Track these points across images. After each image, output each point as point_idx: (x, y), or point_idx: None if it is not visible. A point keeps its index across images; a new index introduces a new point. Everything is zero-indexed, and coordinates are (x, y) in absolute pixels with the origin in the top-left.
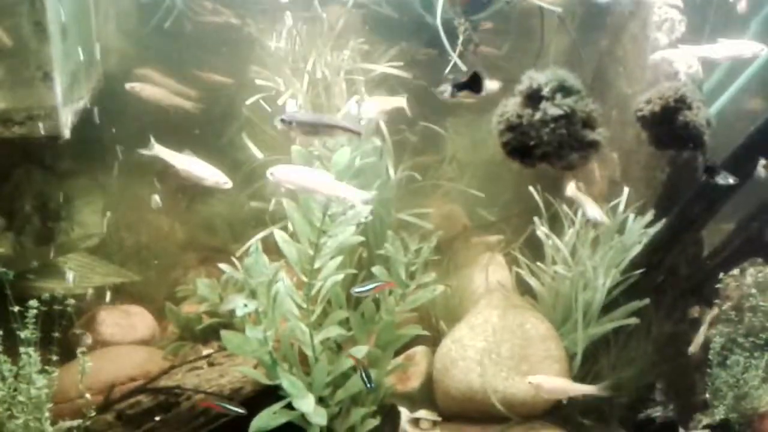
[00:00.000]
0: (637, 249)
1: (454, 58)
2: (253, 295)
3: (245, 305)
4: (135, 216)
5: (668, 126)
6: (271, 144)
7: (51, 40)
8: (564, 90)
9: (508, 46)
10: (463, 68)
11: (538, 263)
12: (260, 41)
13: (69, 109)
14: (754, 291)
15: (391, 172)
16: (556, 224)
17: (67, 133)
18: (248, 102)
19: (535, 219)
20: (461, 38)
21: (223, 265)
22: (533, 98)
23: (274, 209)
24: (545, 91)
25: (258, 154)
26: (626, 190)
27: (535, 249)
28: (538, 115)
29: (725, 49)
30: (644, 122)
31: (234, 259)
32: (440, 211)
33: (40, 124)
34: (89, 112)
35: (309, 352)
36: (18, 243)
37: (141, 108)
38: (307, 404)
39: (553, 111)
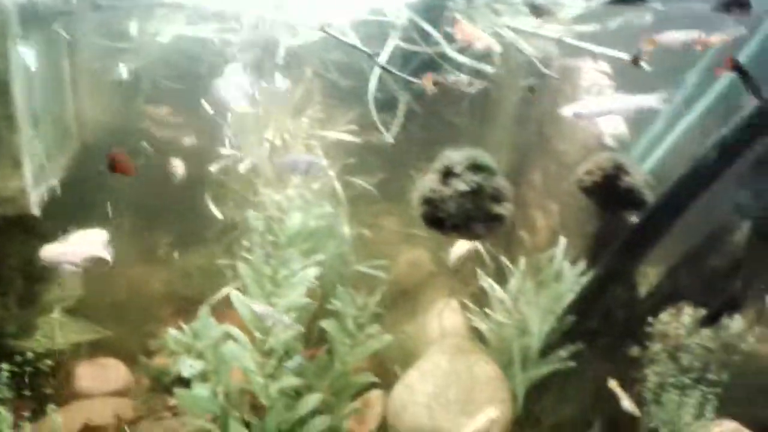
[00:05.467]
0: (570, 296)
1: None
2: (200, 356)
3: (191, 366)
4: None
5: (612, 192)
6: (238, 200)
7: (20, 130)
8: (475, 168)
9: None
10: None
11: (486, 309)
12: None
13: (40, 188)
14: (684, 332)
15: (346, 230)
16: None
17: (37, 212)
18: (213, 168)
19: (478, 270)
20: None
21: (171, 330)
22: (447, 175)
23: None
24: (457, 169)
25: (218, 215)
26: (562, 239)
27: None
28: (448, 191)
29: (624, 102)
30: (589, 192)
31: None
32: (407, 257)
33: (12, 205)
34: (67, 180)
35: (265, 402)
36: (2, 305)
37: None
38: None
39: (461, 187)
